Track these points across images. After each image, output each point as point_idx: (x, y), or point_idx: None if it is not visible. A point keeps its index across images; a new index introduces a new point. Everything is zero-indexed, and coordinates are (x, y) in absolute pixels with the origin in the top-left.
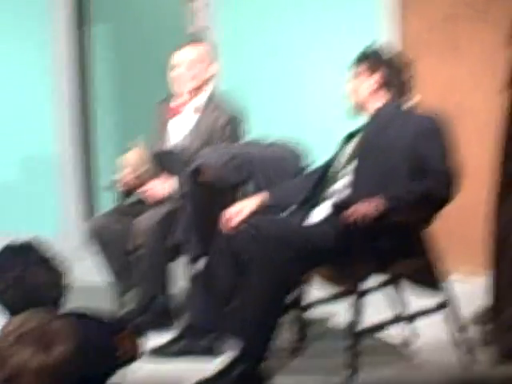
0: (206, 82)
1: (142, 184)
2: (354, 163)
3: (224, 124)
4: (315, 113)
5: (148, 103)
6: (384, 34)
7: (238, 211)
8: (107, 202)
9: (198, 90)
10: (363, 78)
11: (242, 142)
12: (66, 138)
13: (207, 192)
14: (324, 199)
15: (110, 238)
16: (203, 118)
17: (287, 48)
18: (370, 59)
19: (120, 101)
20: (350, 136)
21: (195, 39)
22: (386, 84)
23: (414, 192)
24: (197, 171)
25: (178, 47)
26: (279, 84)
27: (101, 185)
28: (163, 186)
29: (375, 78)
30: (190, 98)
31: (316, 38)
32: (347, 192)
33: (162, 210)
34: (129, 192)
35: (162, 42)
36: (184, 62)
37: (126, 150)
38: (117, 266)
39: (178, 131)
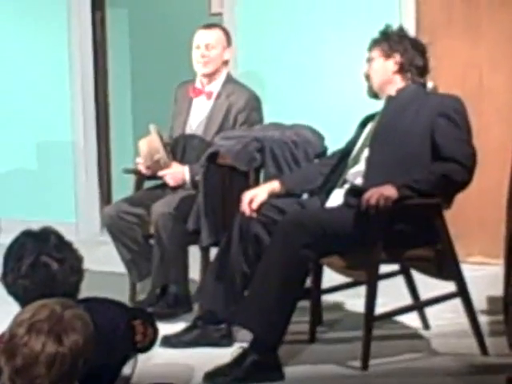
0: (221, 66)
1: (155, 172)
2: (369, 149)
3: (239, 110)
4: (333, 96)
5: (164, 88)
6: (403, 15)
7: (249, 201)
8: (127, 187)
9: (213, 74)
10: (380, 60)
11: (261, 124)
12: (84, 123)
13: (225, 176)
14: (344, 182)
15: (122, 227)
16: (217, 104)
17: (304, 32)
18: (387, 42)
19: (136, 86)
20: (367, 119)
21: (212, 23)
22: (403, 67)
23: (435, 173)
24: (215, 155)
25: (200, 27)
26: (297, 68)
27: (120, 169)
28: (182, 170)
29: (392, 61)
30: (208, 82)
31: (333, 19)
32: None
33: (180, 194)
34: (147, 177)
35: (178, 27)
36: (206, 44)
37: (140, 137)
38: (129, 255)
39: (197, 115)
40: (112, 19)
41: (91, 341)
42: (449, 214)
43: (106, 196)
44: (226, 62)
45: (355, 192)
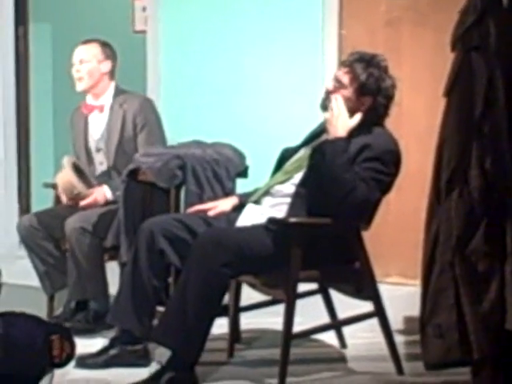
0: (101, 79)
1: (78, 203)
2: (300, 176)
3: (135, 114)
4: (255, 114)
5: None
6: (325, 38)
7: (212, 207)
8: (46, 202)
9: (95, 88)
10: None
11: (184, 142)
12: (5, 137)
13: (146, 193)
14: (266, 193)
15: (37, 239)
16: (112, 116)
17: (227, 50)
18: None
19: (58, 100)
20: (286, 152)
21: (92, 38)
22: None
23: (345, 178)
24: (136, 171)
25: (79, 43)
26: (219, 85)
27: (40, 183)
28: (103, 191)
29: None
30: (95, 98)
31: (255, 38)
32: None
33: (98, 210)
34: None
35: None
36: (80, 59)
37: (61, 150)
38: (43, 267)
39: (95, 130)
40: (35, 34)
41: (6, 354)
42: (367, 235)
43: (25, 210)
44: (108, 74)
45: (276, 221)
